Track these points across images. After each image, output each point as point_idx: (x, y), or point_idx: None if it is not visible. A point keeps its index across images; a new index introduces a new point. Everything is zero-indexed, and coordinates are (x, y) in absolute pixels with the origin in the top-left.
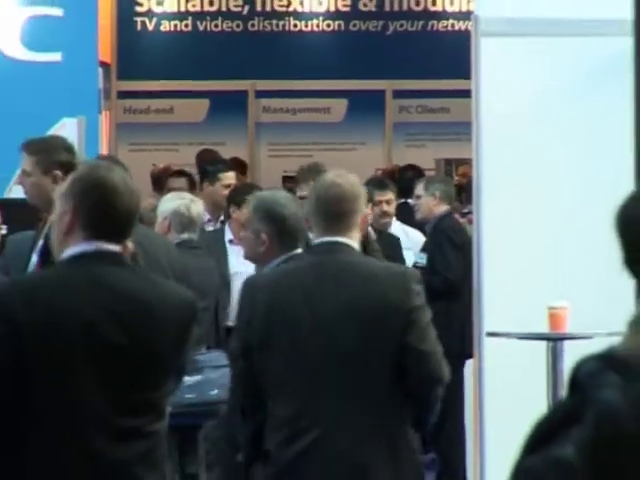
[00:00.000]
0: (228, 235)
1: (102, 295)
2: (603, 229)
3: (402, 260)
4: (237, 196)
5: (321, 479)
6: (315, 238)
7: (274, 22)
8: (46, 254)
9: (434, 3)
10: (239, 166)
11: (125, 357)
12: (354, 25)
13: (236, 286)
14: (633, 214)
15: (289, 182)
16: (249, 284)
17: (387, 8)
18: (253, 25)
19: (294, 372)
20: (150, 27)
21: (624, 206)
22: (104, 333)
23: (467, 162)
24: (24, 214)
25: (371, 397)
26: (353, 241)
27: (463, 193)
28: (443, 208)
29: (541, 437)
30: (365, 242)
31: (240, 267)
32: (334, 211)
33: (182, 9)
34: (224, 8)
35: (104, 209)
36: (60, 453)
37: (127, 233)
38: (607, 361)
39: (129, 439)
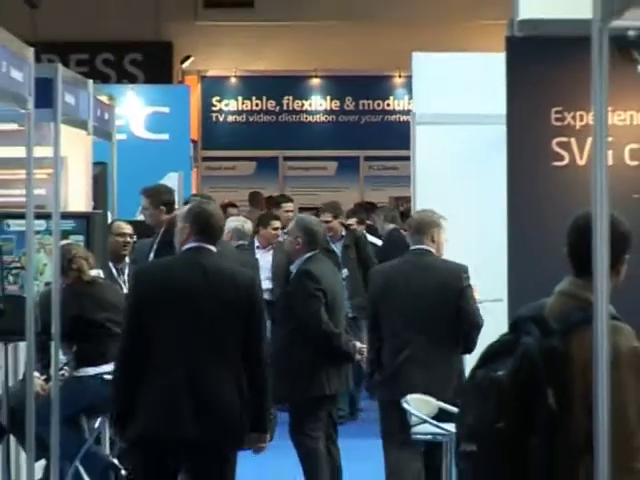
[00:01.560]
0: (257, 244)
1: (197, 268)
2: (489, 240)
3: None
4: (263, 220)
5: (411, 378)
6: (411, 246)
7: (294, 116)
8: (158, 252)
9: (388, 105)
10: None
11: (209, 301)
12: (341, 118)
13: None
14: (574, 228)
15: (304, 211)
16: (373, 272)
17: (360, 108)
18: (282, 118)
19: (398, 321)
20: (221, 119)
21: (573, 223)
22: (197, 289)
23: (408, 199)
24: (145, 230)
25: (439, 335)
26: (429, 247)
27: (405, 217)
28: (391, 226)
29: (488, 357)
30: (360, 242)
31: (263, 262)
32: (414, 231)
33: (239, 109)
34: (264, 108)
35: (204, 225)
36: (169, 358)
37: (217, 238)
38: (534, 317)
39: (211, 355)
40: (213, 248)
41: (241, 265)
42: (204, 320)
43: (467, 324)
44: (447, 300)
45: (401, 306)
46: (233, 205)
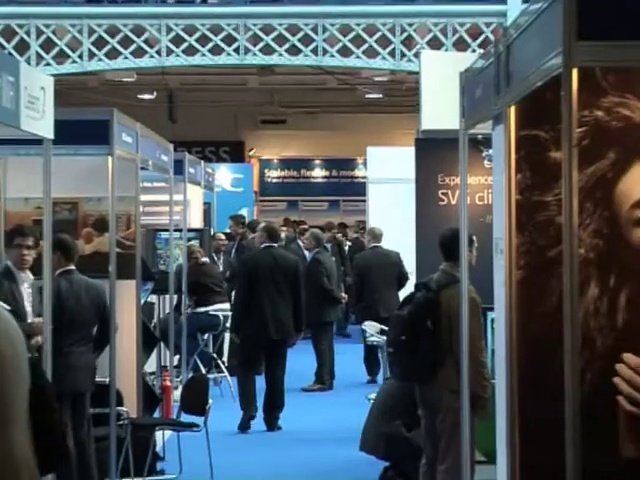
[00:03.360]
0: (300, 243)
1: (270, 257)
2: (406, 243)
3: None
4: (300, 232)
5: (379, 306)
6: (372, 243)
7: (306, 179)
8: (237, 249)
9: (355, 173)
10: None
11: (276, 271)
12: (330, 180)
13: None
14: (442, 236)
15: (312, 227)
16: (357, 257)
17: (340, 175)
18: (300, 180)
19: (373, 280)
20: (269, 181)
21: (442, 233)
22: (269, 266)
23: (364, 222)
24: (230, 237)
25: (392, 285)
26: (381, 244)
27: (364, 230)
28: (355, 235)
29: (401, 304)
30: (341, 245)
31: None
32: (375, 236)
33: (279, 175)
34: (291, 175)
35: (272, 234)
36: (260, 299)
37: (278, 241)
38: (424, 283)
39: (279, 297)
40: (276, 245)
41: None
42: (274, 280)
43: (403, 278)
44: (395, 269)
45: (375, 273)
46: (285, 226)
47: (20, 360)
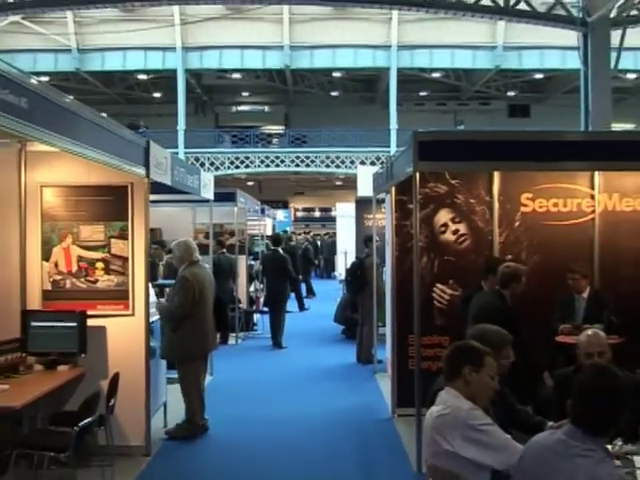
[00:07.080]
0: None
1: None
2: (351, 243)
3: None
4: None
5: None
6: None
7: (312, 217)
8: (285, 247)
9: (331, 213)
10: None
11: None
12: (320, 216)
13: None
14: (364, 238)
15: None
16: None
17: (327, 214)
18: (309, 217)
19: (319, 252)
20: (298, 215)
21: (364, 237)
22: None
23: (334, 234)
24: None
25: (332, 254)
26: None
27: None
28: (331, 240)
29: (352, 265)
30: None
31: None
32: (328, 237)
33: (301, 214)
34: (307, 214)
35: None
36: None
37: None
38: (358, 257)
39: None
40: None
41: None
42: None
43: (334, 253)
44: (332, 250)
45: (324, 250)
46: (306, 233)
47: (211, 288)
